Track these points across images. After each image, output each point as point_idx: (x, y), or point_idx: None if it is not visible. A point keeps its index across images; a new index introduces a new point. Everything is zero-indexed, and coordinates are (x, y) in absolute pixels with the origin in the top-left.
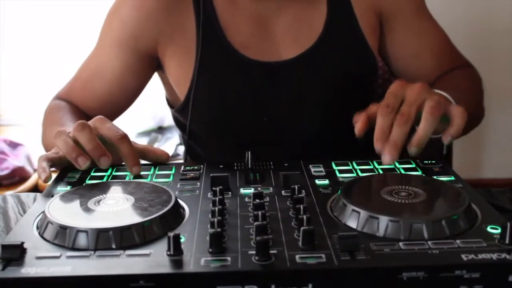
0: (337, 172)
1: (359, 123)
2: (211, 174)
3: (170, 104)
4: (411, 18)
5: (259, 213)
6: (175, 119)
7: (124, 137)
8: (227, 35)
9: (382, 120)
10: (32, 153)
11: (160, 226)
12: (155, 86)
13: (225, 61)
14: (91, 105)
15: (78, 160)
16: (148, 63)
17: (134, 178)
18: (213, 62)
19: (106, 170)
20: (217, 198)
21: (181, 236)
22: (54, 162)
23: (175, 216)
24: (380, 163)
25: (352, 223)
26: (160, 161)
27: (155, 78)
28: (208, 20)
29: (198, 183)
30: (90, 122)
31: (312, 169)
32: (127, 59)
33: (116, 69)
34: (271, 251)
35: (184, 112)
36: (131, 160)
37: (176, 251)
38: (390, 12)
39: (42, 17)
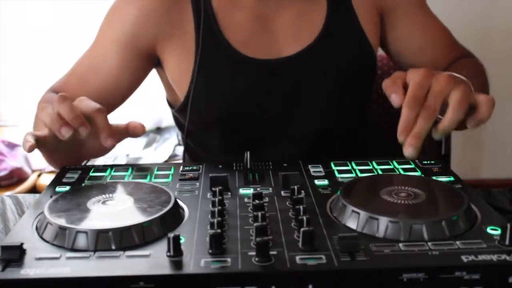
0: (336, 173)
1: (396, 96)
2: (210, 175)
3: (171, 105)
4: (413, 12)
5: (259, 213)
6: (176, 120)
7: (100, 110)
8: (226, 33)
9: (408, 112)
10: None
11: (159, 227)
12: (154, 87)
13: (225, 60)
14: None
15: (61, 130)
16: (146, 62)
17: (133, 178)
18: (212, 61)
19: (104, 170)
20: (216, 199)
21: (180, 237)
22: (39, 139)
23: (174, 216)
24: (379, 163)
25: (352, 224)
26: (137, 132)
27: (155, 79)
28: (207, 19)
29: (197, 184)
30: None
31: (312, 170)
32: (125, 56)
33: (113, 66)
34: (271, 252)
35: (184, 112)
36: (106, 132)
37: (176, 252)
38: (391, 7)
39: (42, 17)
